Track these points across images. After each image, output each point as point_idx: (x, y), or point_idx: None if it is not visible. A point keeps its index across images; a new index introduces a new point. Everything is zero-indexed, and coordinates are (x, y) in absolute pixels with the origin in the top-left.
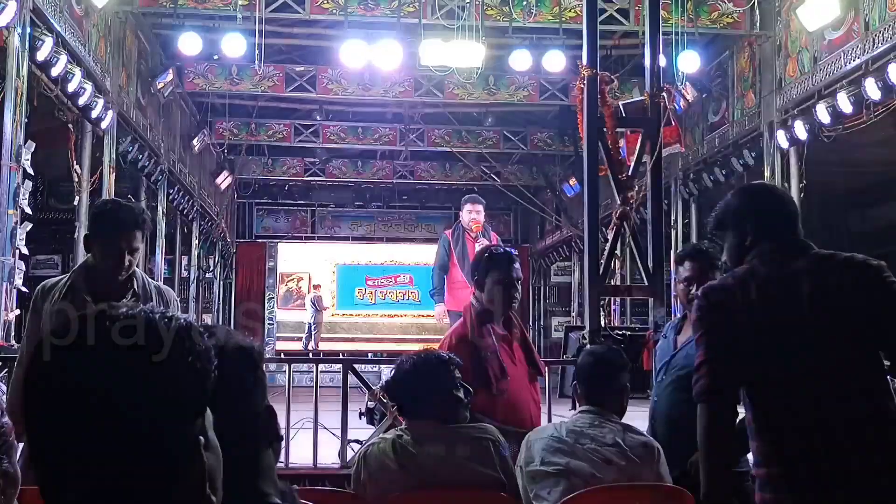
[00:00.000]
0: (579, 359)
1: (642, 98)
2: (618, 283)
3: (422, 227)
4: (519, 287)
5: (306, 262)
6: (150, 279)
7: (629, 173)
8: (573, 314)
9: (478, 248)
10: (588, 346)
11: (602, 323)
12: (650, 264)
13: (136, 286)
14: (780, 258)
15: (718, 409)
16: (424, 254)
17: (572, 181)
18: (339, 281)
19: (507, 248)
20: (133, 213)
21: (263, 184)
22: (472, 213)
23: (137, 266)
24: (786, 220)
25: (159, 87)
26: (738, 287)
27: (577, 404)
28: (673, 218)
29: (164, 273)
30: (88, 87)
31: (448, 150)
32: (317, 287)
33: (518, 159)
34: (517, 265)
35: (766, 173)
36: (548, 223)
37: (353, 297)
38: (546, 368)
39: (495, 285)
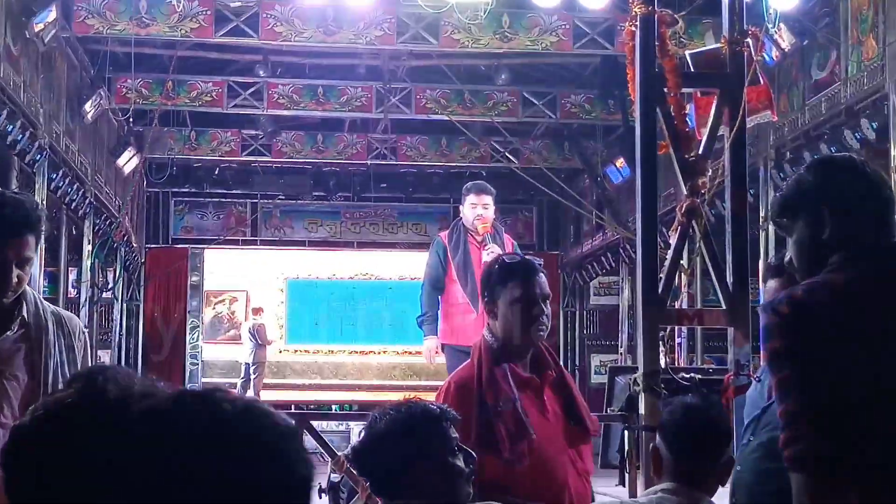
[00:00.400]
0: (667, 414)
1: (718, 46)
2: (684, 305)
3: (407, 228)
4: (547, 308)
5: (244, 277)
6: (45, 303)
7: (700, 152)
8: (621, 350)
9: (486, 256)
10: (680, 397)
11: (662, 363)
12: (729, 280)
13: (24, 313)
14: (878, 262)
15: (828, 483)
16: (410, 265)
17: (619, 163)
18: (290, 303)
19: (527, 256)
20: (21, 209)
21: (184, 166)
22: (478, 208)
23: (29, 284)
24: (883, 207)
25: (37, 29)
26: (835, 301)
27: (654, 476)
28: (762, 214)
29: (44, 291)
30: None
31: (445, 118)
32: (257, 312)
33: (543, 132)
34: (542, 278)
35: (894, 150)
36: (585, 222)
37: (310, 327)
38: (597, 425)
39: (512, 306)
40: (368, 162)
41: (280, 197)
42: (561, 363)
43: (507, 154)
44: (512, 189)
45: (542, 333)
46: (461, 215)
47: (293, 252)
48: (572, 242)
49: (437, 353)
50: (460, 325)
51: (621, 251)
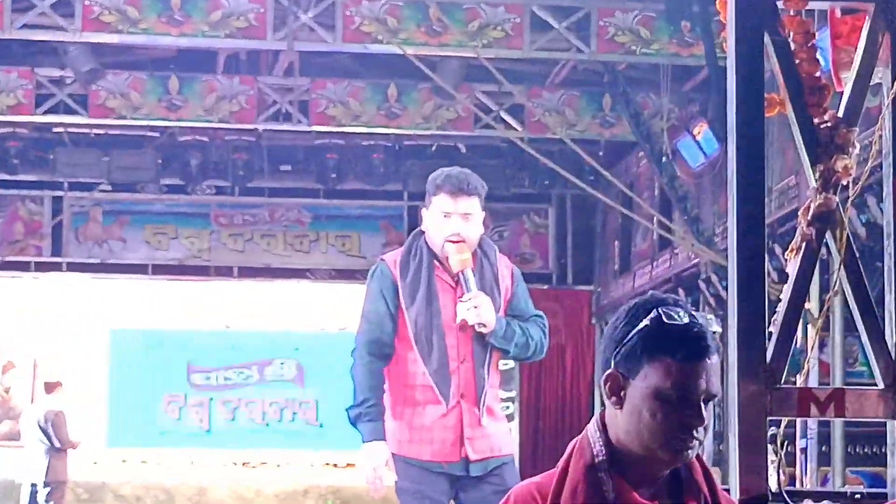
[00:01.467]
0: None
1: None
2: (812, 383)
3: (327, 242)
4: (708, 414)
5: (31, 328)
6: None
7: (840, 114)
8: (704, 452)
9: (465, 311)
10: None
11: (773, 483)
12: (893, 339)
13: None
14: None
15: None
16: (332, 306)
17: (699, 131)
18: (115, 374)
19: (697, 316)
20: None
21: None
22: (453, 220)
23: None
24: None
25: None
26: None
27: None
28: None
29: None
30: None
31: (393, 50)
32: (53, 388)
33: (567, 77)
34: (715, 363)
35: None
36: (639, 235)
37: (151, 417)
38: None
39: (653, 400)
40: (259, 127)
41: (103, 186)
42: (724, 491)
43: (503, 115)
44: (512, 176)
45: (690, 452)
46: (423, 228)
47: (125, 282)
48: (616, 271)
49: (380, 472)
50: (421, 423)
51: (702, 286)
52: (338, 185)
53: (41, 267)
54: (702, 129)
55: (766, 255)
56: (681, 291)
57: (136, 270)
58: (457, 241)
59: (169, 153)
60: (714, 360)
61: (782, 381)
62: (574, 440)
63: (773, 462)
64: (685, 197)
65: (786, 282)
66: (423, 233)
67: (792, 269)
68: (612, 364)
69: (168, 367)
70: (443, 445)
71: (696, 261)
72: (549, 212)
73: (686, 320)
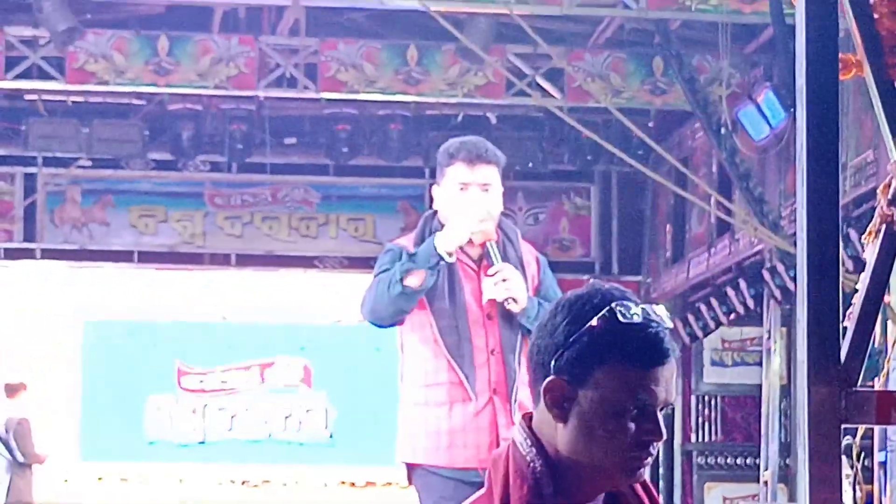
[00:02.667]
0: None
1: None
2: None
3: (338, 226)
4: (659, 421)
5: None
6: None
7: None
8: (764, 475)
9: (493, 289)
10: None
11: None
12: None
13: None
14: None
15: None
16: (346, 297)
17: (762, 97)
18: (89, 372)
19: (651, 310)
20: None
21: None
22: (471, 190)
23: None
24: None
25: None
26: None
27: None
28: None
29: None
30: None
31: (414, 6)
32: (16, 391)
33: (612, 37)
34: (672, 367)
35: None
36: (695, 218)
37: (134, 425)
38: None
39: (605, 410)
40: (260, 93)
41: (83, 162)
42: None
43: (539, 80)
44: (549, 151)
45: (644, 470)
46: (436, 206)
47: (107, 272)
48: (668, 260)
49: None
50: (450, 426)
51: (766, 277)
52: (350, 161)
53: (11, 254)
54: (766, 97)
55: (840, 241)
56: (742, 282)
57: (119, 258)
58: (479, 212)
59: (157, 124)
60: (673, 364)
61: (858, 383)
62: (495, 453)
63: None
64: (747, 174)
65: (862, 271)
66: (434, 214)
67: (870, 255)
68: (552, 369)
69: (155, 366)
70: (478, 450)
71: (759, 247)
72: (592, 191)
73: (641, 318)
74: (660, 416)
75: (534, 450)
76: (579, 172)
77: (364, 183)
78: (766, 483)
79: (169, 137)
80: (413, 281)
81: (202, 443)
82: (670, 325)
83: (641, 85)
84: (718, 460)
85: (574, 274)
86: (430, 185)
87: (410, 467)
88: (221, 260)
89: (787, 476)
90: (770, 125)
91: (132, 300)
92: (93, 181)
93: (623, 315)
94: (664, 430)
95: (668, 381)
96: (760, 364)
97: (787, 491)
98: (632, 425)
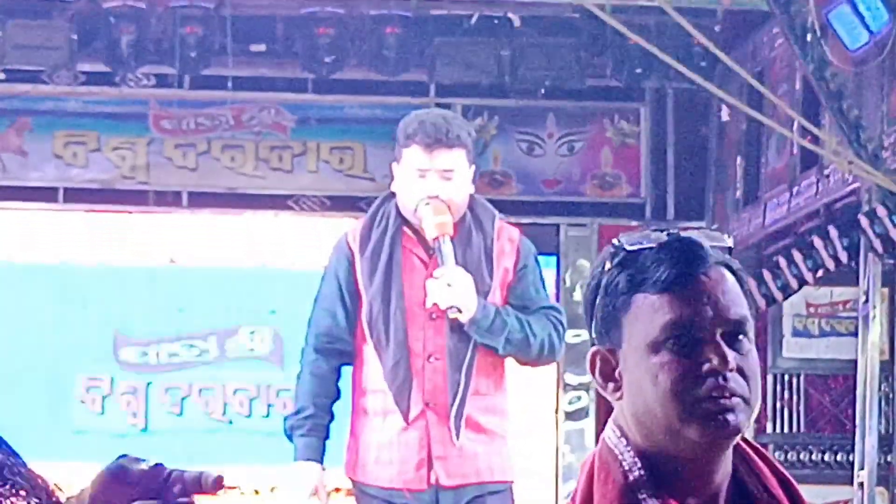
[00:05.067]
0: None
1: None
2: None
3: (320, 158)
4: (745, 351)
5: None
6: None
7: None
8: (859, 474)
9: (438, 291)
10: None
11: None
12: None
13: None
14: None
15: None
16: (326, 253)
17: None
18: None
19: (686, 232)
20: None
21: None
22: (430, 178)
23: None
24: None
25: None
26: None
27: None
28: None
29: None
30: None
31: None
32: None
33: None
34: (723, 278)
35: None
36: (774, 149)
37: (61, 411)
38: None
39: (650, 357)
40: None
41: None
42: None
43: None
44: (588, 63)
45: (731, 417)
46: (394, 185)
47: (24, 214)
48: (741, 201)
49: (313, 496)
50: (379, 440)
51: (863, 223)
52: (334, 75)
53: None
54: None
55: None
56: (833, 230)
57: (40, 196)
58: (436, 203)
59: (89, 25)
60: (719, 273)
61: None
62: (588, 456)
63: None
64: (840, 93)
65: None
66: (391, 197)
67: None
68: (593, 341)
69: (86, 335)
70: (403, 467)
71: (854, 185)
72: (642, 114)
73: (661, 240)
74: (720, 340)
75: (621, 440)
76: (625, 90)
77: (351, 102)
78: (861, 485)
79: (104, 43)
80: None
81: (145, 430)
82: (717, 243)
83: None
84: (801, 456)
85: (619, 219)
86: (437, 105)
87: (351, 480)
88: (170, 199)
89: (888, 476)
90: (869, 30)
91: (56, 248)
92: (7, 99)
93: (629, 242)
94: (731, 356)
95: (720, 293)
96: (856, 334)
97: (889, 497)
98: (682, 360)
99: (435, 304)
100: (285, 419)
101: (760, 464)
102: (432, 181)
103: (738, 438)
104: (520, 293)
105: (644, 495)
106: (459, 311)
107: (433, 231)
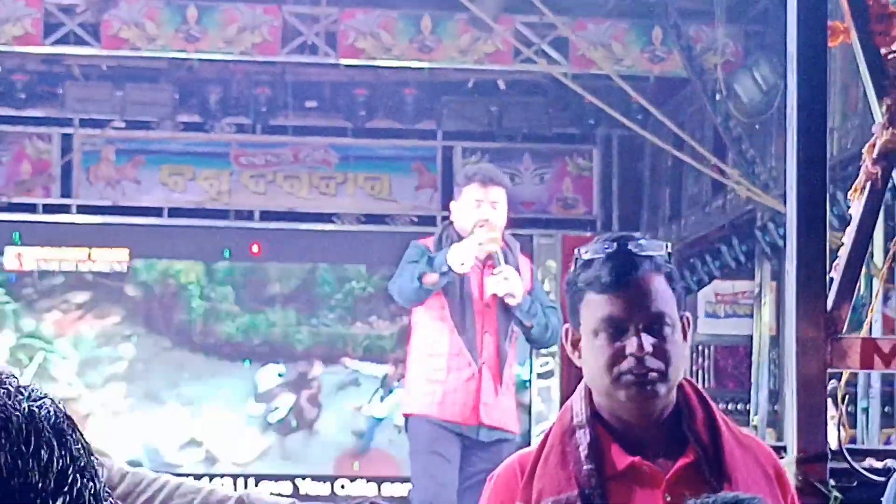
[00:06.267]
0: None
1: None
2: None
3: (357, 185)
4: (666, 337)
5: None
6: None
7: None
8: (754, 418)
9: (495, 285)
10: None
11: (833, 441)
12: None
13: None
14: None
15: None
16: (360, 253)
17: (756, 65)
18: None
19: (629, 238)
20: None
21: None
22: (484, 207)
23: None
24: None
25: None
26: None
27: None
28: None
29: None
30: None
31: None
32: None
33: (616, 7)
34: (653, 280)
35: None
36: (691, 179)
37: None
38: None
39: (593, 338)
40: (283, 59)
41: (116, 123)
42: (728, 436)
43: (545, 48)
44: (554, 115)
45: (650, 387)
46: (451, 219)
47: (135, 228)
48: (667, 217)
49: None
50: (442, 387)
51: (759, 235)
52: (367, 124)
53: (50, 209)
54: (759, 64)
55: (827, 201)
56: (735, 239)
57: (151, 213)
58: (489, 225)
59: (186, 88)
60: (649, 277)
61: (843, 331)
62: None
63: (832, 417)
64: (740, 137)
65: (848, 227)
66: (450, 225)
67: (855, 210)
68: (567, 319)
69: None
70: (463, 409)
71: (751, 208)
72: (594, 153)
73: (605, 250)
74: (643, 334)
75: (581, 395)
76: (582, 135)
77: (380, 144)
78: (755, 427)
79: (197, 101)
80: (428, 280)
81: None
82: (651, 252)
83: (641, 53)
84: (717, 399)
85: (577, 230)
86: (443, 147)
87: (408, 417)
88: (246, 216)
89: (775, 421)
90: (762, 91)
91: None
92: (126, 142)
93: (586, 252)
94: (646, 341)
95: (642, 295)
96: (751, 316)
97: (776, 435)
98: (612, 344)
99: (493, 294)
100: (414, 263)
101: (697, 406)
102: (485, 209)
103: (660, 400)
104: (536, 293)
105: (580, 433)
106: (513, 296)
107: (489, 246)
